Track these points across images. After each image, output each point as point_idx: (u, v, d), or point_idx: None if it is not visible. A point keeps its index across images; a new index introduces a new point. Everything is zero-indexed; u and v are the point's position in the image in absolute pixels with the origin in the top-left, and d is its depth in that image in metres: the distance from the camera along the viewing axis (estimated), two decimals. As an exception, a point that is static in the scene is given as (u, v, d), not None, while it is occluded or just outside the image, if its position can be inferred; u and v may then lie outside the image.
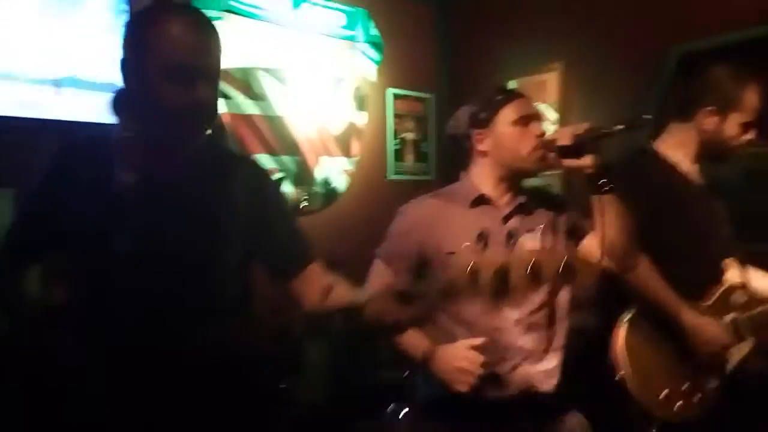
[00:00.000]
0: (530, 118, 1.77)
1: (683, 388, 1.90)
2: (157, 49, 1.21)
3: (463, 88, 4.20)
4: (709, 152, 2.04)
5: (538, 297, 1.77)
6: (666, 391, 1.87)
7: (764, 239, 2.19)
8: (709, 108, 1.98)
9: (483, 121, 1.79)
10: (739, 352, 1.95)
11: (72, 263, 1.30)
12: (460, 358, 1.63)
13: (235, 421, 1.33)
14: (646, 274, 1.87)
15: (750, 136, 1.98)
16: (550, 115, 3.78)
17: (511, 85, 3.95)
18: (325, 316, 1.26)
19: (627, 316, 1.93)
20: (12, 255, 1.38)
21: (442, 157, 4.34)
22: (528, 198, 1.83)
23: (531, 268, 1.01)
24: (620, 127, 1.57)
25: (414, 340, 1.74)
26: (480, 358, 1.62)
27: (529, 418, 1.70)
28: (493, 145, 1.78)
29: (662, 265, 1.89)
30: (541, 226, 1.79)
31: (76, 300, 1.29)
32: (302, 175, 3.60)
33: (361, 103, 3.92)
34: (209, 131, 1.35)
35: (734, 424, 1.97)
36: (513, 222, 1.79)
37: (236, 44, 3.42)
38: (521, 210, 1.81)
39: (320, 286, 1.34)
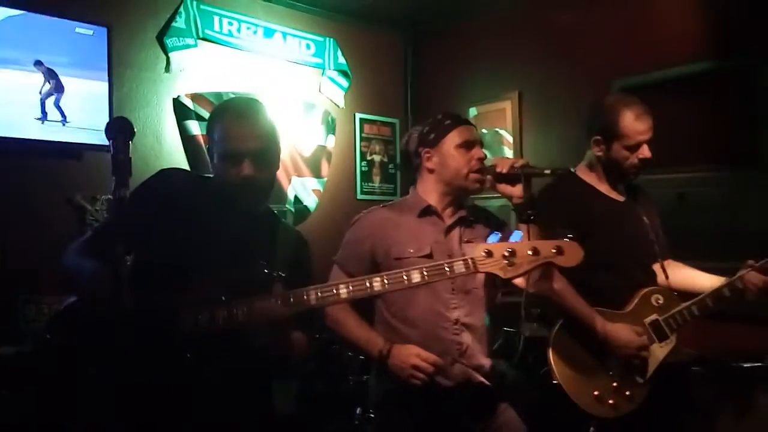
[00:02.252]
0: (473, 143, 1.99)
1: (612, 386, 2.03)
2: (218, 138, 1.55)
3: (426, 113, 4.41)
4: (613, 174, 2.19)
5: (474, 300, 1.99)
6: (596, 392, 2.03)
7: (692, 256, 2.41)
8: (595, 137, 2.14)
9: (431, 141, 2.00)
10: (662, 349, 2.10)
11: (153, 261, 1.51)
12: (413, 356, 1.82)
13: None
14: (562, 290, 2.04)
15: (644, 154, 2.08)
16: (507, 138, 4.06)
17: (472, 111, 4.24)
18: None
19: (556, 327, 2.10)
20: (98, 246, 1.56)
21: (407, 178, 4.56)
22: (468, 213, 2.05)
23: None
24: (548, 171, 1.82)
25: (370, 339, 1.90)
26: (431, 356, 1.82)
27: (468, 407, 1.91)
28: (439, 163, 1.99)
29: (590, 277, 2.03)
30: (478, 239, 2.01)
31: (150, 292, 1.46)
32: (274, 194, 3.76)
33: (330, 127, 4.13)
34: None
35: (666, 414, 2.17)
36: (455, 233, 2.00)
37: (211, 70, 3.61)
38: (462, 222, 2.03)
39: None
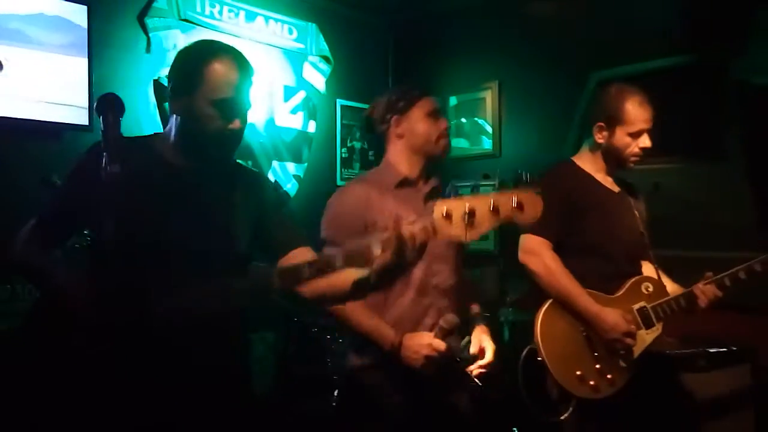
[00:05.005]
0: (439, 113, 2.11)
1: (595, 368, 2.08)
2: (207, 83, 1.45)
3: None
4: (612, 163, 2.25)
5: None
6: (579, 372, 2.08)
7: (665, 245, 2.48)
8: (598, 124, 2.19)
9: (401, 108, 2.08)
10: (648, 336, 2.15)
11: (100, 243, 1.43)
12: (425, 346, 1.87)
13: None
14: (555, 269, 2.10)
15: (644, 143, 2.16)
16: (486, 128, 4.11)
17: (452, 100, 4.28)
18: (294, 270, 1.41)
19: (544, 307, 2.14)
20: (45, 235, 1.55)
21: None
22: (439, 182, 2.15)
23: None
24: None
25: (380, 330, 1.93)
26: (442, 345, 1.87)
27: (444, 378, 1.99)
28: (409, 130, 2.07)
29: (580, 261, 2.13)
30: None
31: (98, 273, 1.43)
32: (254, 179, 3.77)
33: (311, 113, 4.13)
34: None
35: (645, 399, 2.23)
36: (430, 202, 2.04)
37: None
38: (435, 192, 2.11)
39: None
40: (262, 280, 1.43)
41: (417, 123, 2.07)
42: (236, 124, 1.48)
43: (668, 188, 3.11)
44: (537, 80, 3.79)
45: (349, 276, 1.46)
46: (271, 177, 3.86)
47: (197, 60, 1.48)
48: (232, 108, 1.47)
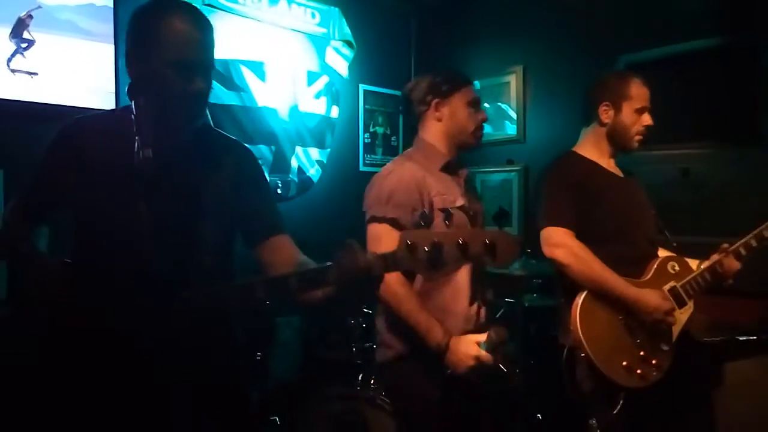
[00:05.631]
0: (479, 103, 2.11)
1: (640, 355, 2.07)
2: (164, 43, 1.34)
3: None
4: (617, 144, 2.28)
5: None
6: (625, 363, 2.03)
7: (694, 231, 2.44)
8: (605, 103, 2.24)
9: (444, 92, 2.07)
10: (682, 316, 2.16)
11: (78, 224, 1.44)
12: (472, 357, 1.83)
13: (210, 385, 1.42)
14: (587, 258, 2.08)
15: (646, 121, 2.23)
16: (510, 113, 4.07)
17: (476, 84, 4.21)
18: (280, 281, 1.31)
19: (580, 299, 2.08)
20: (24, 216, 1.53)
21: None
22: (468, 171, 2.17)
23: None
24: None
25: (430, 326, 1.87)
26: (486, 356, 1.84)
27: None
28: (449, 115, 2.07)
29: (602, 248, 2.11)
30: (476, 198, 2.17)
31: (79, 256, 1.43)
32: (278, 164, 3.79)
33: (334, 98, 4.12)
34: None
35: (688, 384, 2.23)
36: (468, 189, 2.12)
37: (216, 37, 3.58)
38: (470, 181, 2.16)
39: (292, 261, 1.47)
40: (248, 299, 1.31)
41: (457, 109, 2.06)
42: (198, 83, 1.37)
43: (698, 173, 3.05)
44: (563, 64, 3.72)
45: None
46: (294, 162, 3.87)
47: (151, 19, 1.38)
48: (192, 68, 1.36)
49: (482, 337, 1.86)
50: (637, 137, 2.25)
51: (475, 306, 2.02)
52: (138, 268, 1.25)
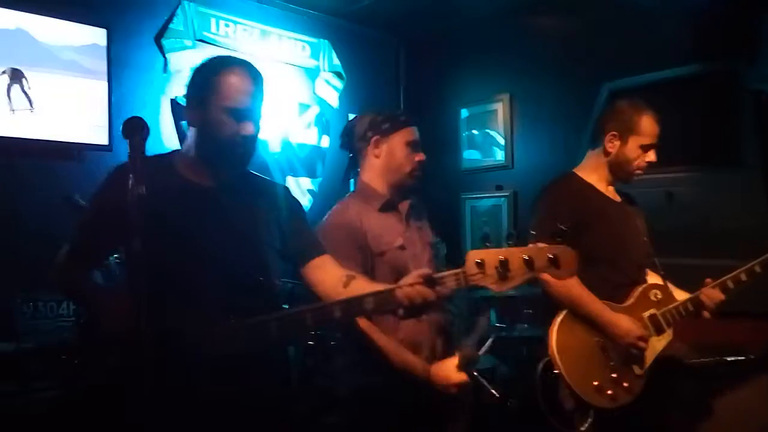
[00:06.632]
0: (418, 145, 2.09)
1: (612, 377, 2.09)
2: (222, 93, 1.50)
3: (419, 114, 4.50)
4: (617, 173, 2.30)
5: None
6: (596, 382, 2.08)
7: (680, 254, 2.48)
8: (612, 133, 2.24)
9: (384, 130, 2.07)
10: (659, 343, 2.19)
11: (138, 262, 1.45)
12: (454, 376, 1.86)
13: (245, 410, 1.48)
14: (568, 280, 2.06)
15: (650, 158, 2.23)
16: (498, 140, 4.14)
17: (464, 112, 4.31)
18: (355, 302, 1.43)
19: (558, 319, 2.15)
20: (82, 256, 1.59)
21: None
22: (418, 199, 2.15)
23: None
24: None
25: (409, 360, 1.91)
26: (467, 378, 1.87)
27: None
28: (387, 152, 2.06)
29: (588, 271, 2.07)
30: (425, 226, 2.16)
31: (142, 292, 1.43)
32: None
33: (324, 128, 4.18)
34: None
35: (662, 409, 2.24)
36: (411, 222, 2.10)
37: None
38: (417, 211, 2.13)
39: (338, 275, 1.61)
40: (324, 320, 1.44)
41: (395, 148, 2.06)
42: (249, 128, 1.52)
43: (682, 197, 3.11)
44: (548, 91, 3.81)
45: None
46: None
47: (211, 72, 1.54)
48: (244, 115, 1.51)
49: (455, 359, 1.91)
50: (638, 171, 2.26)
51: (438, 338, 2.03)
52: (194, 300, 1.37)
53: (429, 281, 1.34)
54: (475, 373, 2.05)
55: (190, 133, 1.58)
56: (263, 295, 1.51)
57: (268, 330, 1.41)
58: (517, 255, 1.28)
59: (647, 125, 2.22)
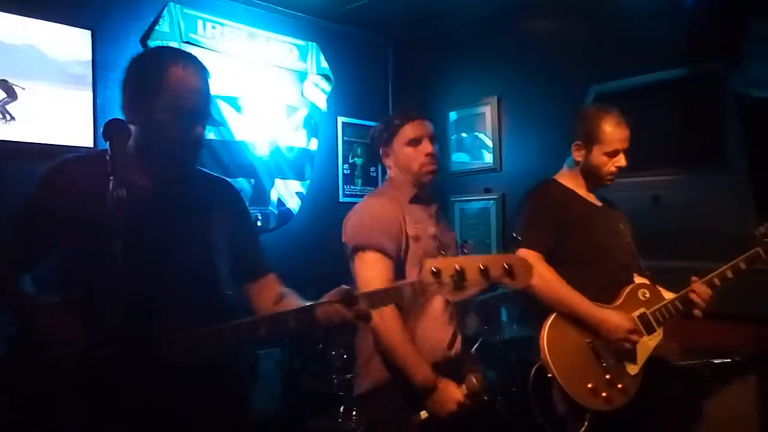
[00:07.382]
0: (421, 139, 2.08)
1: (606, 378, 2.09)
2: (168, 91, 1.40)
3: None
4: (590, 180, 2.31)
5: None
6: (590, 385, 2.05)
7: (667, 257, 2.48)
8: (576, 143, 2.26)
9: (385, 139, 2.13)
10: (651, 342, 2.19)
11: (70, 267, 1.43)
12: (456, 403, 1.85)
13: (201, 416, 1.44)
14: (552, 281, 2.12)
15: (619, 163, 2.22)
16: (487, 142, 4.14)
17: (452, 115, 4.32)
18: (282, 318, 1.38)
19: (548, 323, 2.11)
20: (11, 262, 1.52)
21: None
22: (440, 205, 2.19)
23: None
24: None
25: (417, 364, 1.88)
26: (468, 406, 1.87)
27: None
28: (395, 160, 2.12)
29: (574, 272, 2.15)
30: (449, 231, 2.20)
31: (73, 298, 1.40)
32: (258, 197, 3.81)
33: (312, 131, 4.17)
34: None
35: (653, 411, 2.24)
36: (440, 222, 2.14)
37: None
38: (442, 215, 2.18)
39: (275, 294, 1.56)
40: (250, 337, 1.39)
41: (399, 152, 2.10)
42: (198, 130, 1.44)
43: (668, 200, 3.13)
44: (536, 94, 3.82)
45: None
46: (274, 194, 3.90)
47: (155, 66, 1.43)
48: (193, 116, 1.42)
49: (461, 388, 1.90)
50: (609, 177, 2.26)
51: (451, 335, 2.03)
52: (131, 304, 1.23)
53: (346, 299, 1.32)
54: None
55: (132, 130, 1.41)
56: (211, 299, 1.45)
57: (194, 346, 1.34)
58: (473, 264, 1.27)
59: (609, 132, 2.21)
